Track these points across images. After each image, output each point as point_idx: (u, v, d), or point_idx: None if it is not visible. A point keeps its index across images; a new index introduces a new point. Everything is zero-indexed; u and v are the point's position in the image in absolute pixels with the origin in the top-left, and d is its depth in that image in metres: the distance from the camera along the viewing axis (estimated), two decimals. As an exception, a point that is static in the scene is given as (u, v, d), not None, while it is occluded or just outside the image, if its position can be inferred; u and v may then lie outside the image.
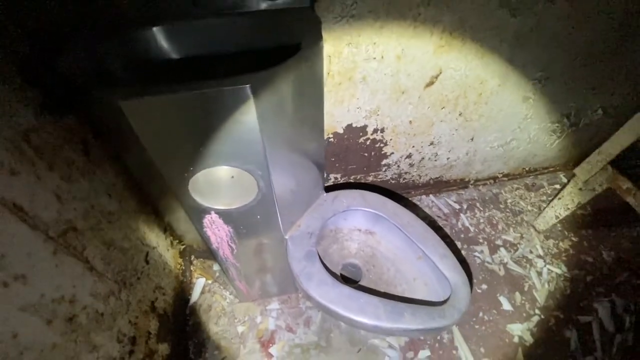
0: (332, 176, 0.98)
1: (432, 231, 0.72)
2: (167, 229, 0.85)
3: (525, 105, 0.91)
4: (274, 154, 0.49)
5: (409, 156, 0.98)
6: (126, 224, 0.64)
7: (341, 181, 1.01)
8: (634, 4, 0.73)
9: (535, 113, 0.95)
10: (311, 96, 0.54)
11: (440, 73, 0.76)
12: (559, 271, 0.98)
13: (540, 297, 0.93)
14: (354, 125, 0.83)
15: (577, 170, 0.88)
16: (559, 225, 1.08)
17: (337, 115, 0.79)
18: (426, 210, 1.13)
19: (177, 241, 0.90)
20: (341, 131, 0.83)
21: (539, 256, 1.02)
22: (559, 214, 0.99)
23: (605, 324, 0.88)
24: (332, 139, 0.85)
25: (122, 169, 0.65)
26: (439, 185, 1.15)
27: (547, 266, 0.99)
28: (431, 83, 0.77)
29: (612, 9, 0.73)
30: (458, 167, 1.08)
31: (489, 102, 0.87)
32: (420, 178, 1.09)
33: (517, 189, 1.20)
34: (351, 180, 1.02)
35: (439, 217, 1.11)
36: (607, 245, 1.04)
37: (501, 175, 1.19)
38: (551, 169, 1.23)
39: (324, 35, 0.62)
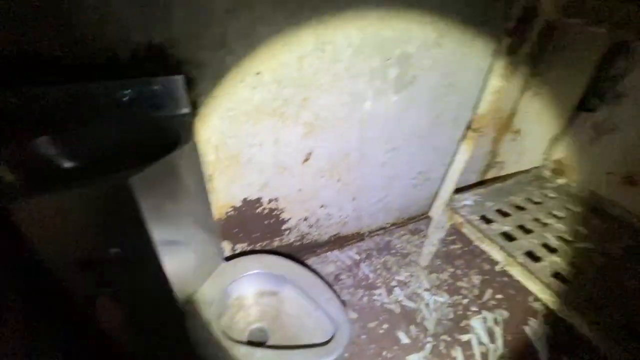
0: (238, 246, 1.06)
1: (320, 280, 0.84)
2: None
3: (385, 169, 1.18)
4: (162, 236, 0.57)
5: (306, 219, 1.13)
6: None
7: (248, 249, 1.09)
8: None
9: (395, 173, 1.22)
10: (193, 184, 0.66)
11: (312, 152, 0.96)
12: (442, 299, 1.17)
13: (430, 325, 1.08)
14: (249, 198, 0.96)
15: (430, 214, 1.13)
16: (438, 260, 1.31)
17: (232, 191, 0.91)
18: (332, 265, 1.26)
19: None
20: (239, 204, 0.95)
21: (426, 289, 1.20)
22: (431, 250, 1.22)
23: (481, 337, 1.06)
24: (231, 212, 0.96)
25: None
26: (339, 241, 1.31)
27: (433, 297, 1.18)
28: (307, 159, 0.97)
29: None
30: (350, 222, 1.27)
31: (357, 169, 1.10)
32: (321, 237, 1.24)
33: (404, 234, 1.44)
34: (257, 248, 1.11)
35: (343, 269, 1.25)
36: (474, 270, 1.29)
37: (388, 224, 1.42)
38: (425, 215, 1.52)
39: (209, 131, 0.77)
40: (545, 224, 1.07)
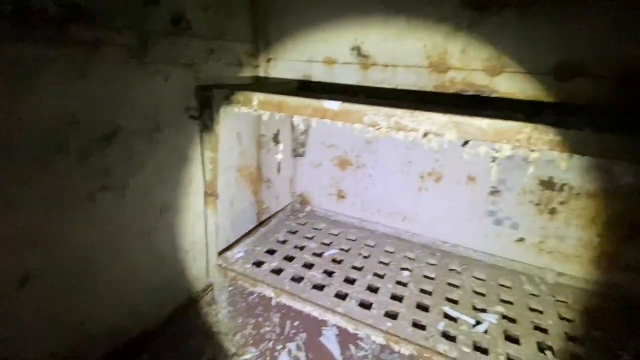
0: None
1: None
2: None
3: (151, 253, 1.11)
4: None
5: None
6: None
7: None
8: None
9: (162, 255, 1.17)
10: None
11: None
12: (249, 356, 1.18)
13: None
14: None
15: (210, 280, 1.15)
16: (240, 318, 1.33)
17: None
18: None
19: None
20: None
21: (234, 354, 1.18)
22: (225, 314, 1.22)
23: (290, 371, 1.14)
24: None
25: None
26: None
27: (240, 358, 1.17)
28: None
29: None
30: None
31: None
32: None
33: (202, 309, 1.38)
34: None
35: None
36: (273, 311, 1.39)
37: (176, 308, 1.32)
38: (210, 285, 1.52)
39: None
40: (302, 248, 1.31)
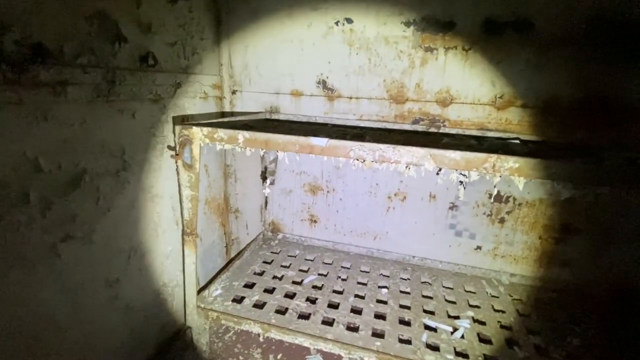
0: None
1: None
2: None
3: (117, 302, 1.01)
4: None
5: None
6: None
7: None
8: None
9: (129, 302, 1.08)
10: None
11: None
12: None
13: None
14: None
15: (188, 324, 1.08)
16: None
17: None
18: None
19: None
20: None
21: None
22: (206, 357, 1.15)
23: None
24: None
25: None
26: None
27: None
28: None
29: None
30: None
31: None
32: None
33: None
34: None
35: None
36: (252, 347, 1.34)
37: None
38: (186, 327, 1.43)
39: None
40: (281, 277, 1.30)
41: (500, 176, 0.69)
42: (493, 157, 0.68)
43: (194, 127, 0.86)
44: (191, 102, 1.21)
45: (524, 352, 0.98)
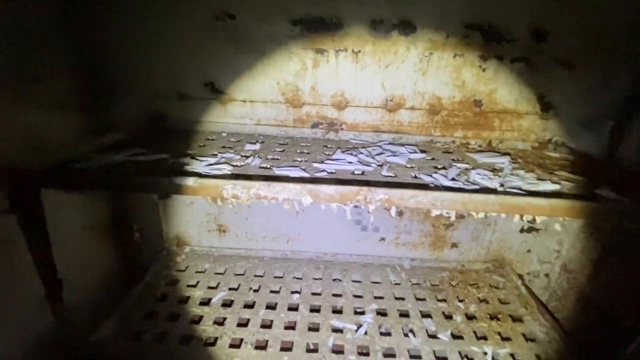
0: None
1: None
2: None
3: None
4: None
5: None
6: None
7: None
8: None
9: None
10: None
11: None
12: None
13: None
14: None
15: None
16: None
17: None
18: None
19: None
20: None
21: None
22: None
23: None
24: None
25: None
26: None
27: None
28: None
29: None
30: None
31: None
32: None
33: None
34: None
35: None
36: None
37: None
38: None
39: None
40: (187, 299, 1.22)
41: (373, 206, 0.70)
42: (364, 190, 0.68)
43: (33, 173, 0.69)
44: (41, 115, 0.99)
45: (418, 338, 1.09)
